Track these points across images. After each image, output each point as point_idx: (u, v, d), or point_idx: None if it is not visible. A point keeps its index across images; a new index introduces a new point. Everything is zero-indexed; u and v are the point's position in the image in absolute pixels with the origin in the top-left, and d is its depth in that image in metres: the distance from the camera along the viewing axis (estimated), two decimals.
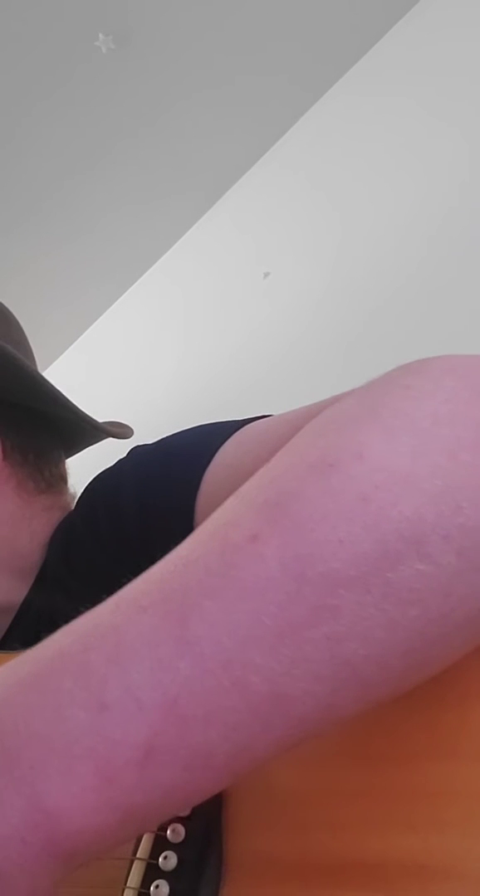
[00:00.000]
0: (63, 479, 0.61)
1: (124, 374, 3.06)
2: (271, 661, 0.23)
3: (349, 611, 0.23)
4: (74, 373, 3.22)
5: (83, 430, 0.62)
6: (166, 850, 0.32)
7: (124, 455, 0.52)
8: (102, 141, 2.60)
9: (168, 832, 0.33)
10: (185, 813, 0.33)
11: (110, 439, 0.64)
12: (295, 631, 0.23)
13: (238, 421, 0.46)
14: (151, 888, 0.32)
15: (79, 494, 0.55)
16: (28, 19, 2.14)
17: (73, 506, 0.59)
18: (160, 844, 0.33)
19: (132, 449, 0.51)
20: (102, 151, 2.63)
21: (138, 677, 0.23)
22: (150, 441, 0.52)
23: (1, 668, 0.26)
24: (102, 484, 0.50)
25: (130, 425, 0.66)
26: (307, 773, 0.26)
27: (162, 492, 0.45)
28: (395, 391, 0.28)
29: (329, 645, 0.23)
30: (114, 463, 0.51)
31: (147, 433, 0.61)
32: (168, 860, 0.32)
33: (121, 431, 0.63)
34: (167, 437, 0.50)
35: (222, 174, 2.83)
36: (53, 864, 0.23)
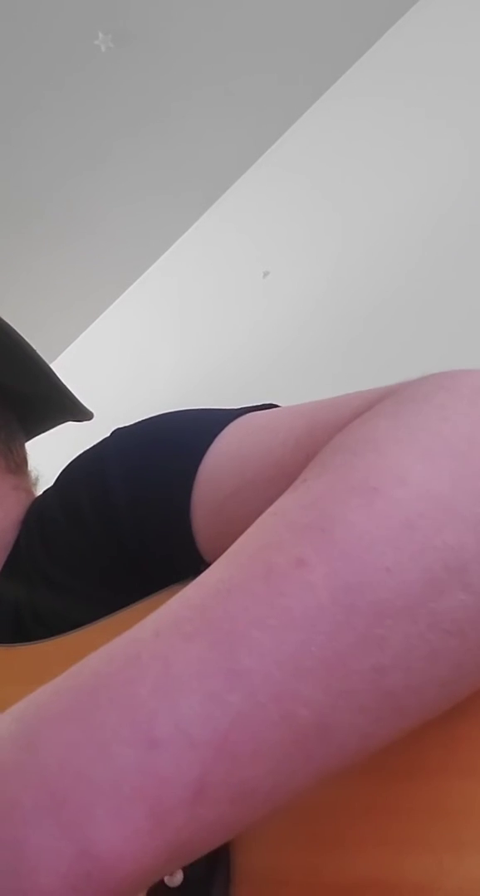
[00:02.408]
0: (26, 462, 0.60)
1: (124, 374, 3.06)
2: (318, 692, 0.22)
3: (396, 641, 0.23)
4: (73, 372, 3.21)
5: (44, 415, 0.61)
6: None
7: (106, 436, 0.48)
8: (101, 140, 2.59)
9: None
10: None
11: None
12: (342, 662, 0.23)
13: (233, 410, 0.44)
14: None
15: (51, 477, 0.53)
16: (28, 18, 2.14)
17: (36, 491, 0.58)
18: None
19: (114, 431, 0.48)
20: (101, 151, 2.62)
21: (189, 712, 0.22)
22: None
23: (28, 697, 0.25)
24: (85, 468, 0.48)
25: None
26: (319, 787, 0.25)
27: (154, 483, 0.43)
28: (430, 411, 0.27)
29: (375, 676, 0.23)
30: (95, 444, 0.48)
31: None
32: (174, 876, 0.31)
33: (83, 414, 0.63)
34: (153, 420, 0.47)
35: (221, 173, 2.82)
36: None
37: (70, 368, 3.30)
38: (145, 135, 2.61)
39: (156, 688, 0.22)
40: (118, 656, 0.24)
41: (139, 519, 0.43)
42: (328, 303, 2.29)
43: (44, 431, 0.64)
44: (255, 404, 0.45)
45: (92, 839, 0.21)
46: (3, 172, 2.58)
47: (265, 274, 2.55)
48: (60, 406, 0.60)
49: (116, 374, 3.08)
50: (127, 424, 0.48)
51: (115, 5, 2.19)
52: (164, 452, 0.44)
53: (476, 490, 0.24)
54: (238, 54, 2.42)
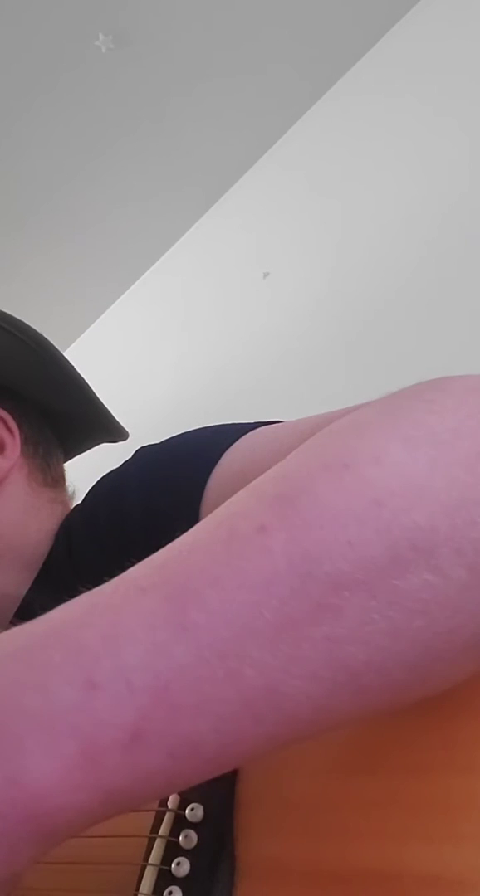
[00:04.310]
0: (63, 478, 0.62)
1: (124, 375, 3.06)
2: (267, 655, 0.23)
3: (352, 613, 0.23)
4: None
5: (83, 435, 0.63)
6: (179, 856, 0.32)
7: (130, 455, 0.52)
8: (101, 140, 2.60)
9: (181, 838, 0.32)
10: (196, 818, 0.33)
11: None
12: (295, 628, 0.23)
13: (245, 424, 0.46)
14: (164, 894, 0.31)
15: (83, 494, 0.55)
16: (28, 19, 2.14)
17: (72, 505, 0.60)
18: (173, 850, 0.33)
19: (138, 449, 0.51)
20: (101, 151, 2.63)
21: (132, 659, 0.22)
22: (151, 441, 0.52)
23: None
24: (106, 485, 0.50)
25: (126, 427, 0.67)
26: (321, 781, 0.26)
27: (166, 494, 0.45)
28: (417, 404, 0.28)
29: (328, 646, 0.23)
30: (120, 464, 0.51)
31: (147, 434, 0.62)
32: (181, 866, 0.32)
33: (120, 434, 0.65)
34: (173, 438, 0.50)
35: (222, 174, 2.83)
36: (32, 841, 0.22)
37: None
38: (146, 135, 2.62)
39: (103, 634, 0.23)
40: (76, 605, 0.25)
41: (151, 528, 0.44)
42: (329, 303, 2.30)
43: (83, 451, 0.66)
44: (265, 420, 0.47)
45: (22, 767, 0.21)
46: (3, 172, 2.59)
47: (266, 275, 2.55)
48: (98, 426, 0.62)
49: (117, 374, 3.09)
50: (152, 443, 0.51)
51: (115, 6, 2.20)
52: (177, 466, 0.46)
53: (454, 476, 0.24)
54: (239, 54, 2.42)
